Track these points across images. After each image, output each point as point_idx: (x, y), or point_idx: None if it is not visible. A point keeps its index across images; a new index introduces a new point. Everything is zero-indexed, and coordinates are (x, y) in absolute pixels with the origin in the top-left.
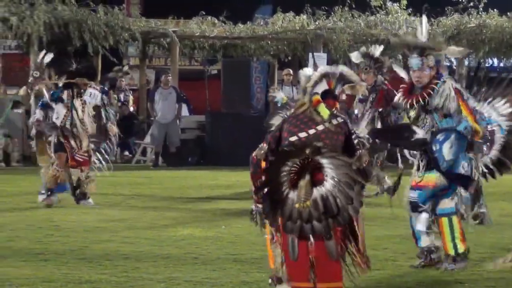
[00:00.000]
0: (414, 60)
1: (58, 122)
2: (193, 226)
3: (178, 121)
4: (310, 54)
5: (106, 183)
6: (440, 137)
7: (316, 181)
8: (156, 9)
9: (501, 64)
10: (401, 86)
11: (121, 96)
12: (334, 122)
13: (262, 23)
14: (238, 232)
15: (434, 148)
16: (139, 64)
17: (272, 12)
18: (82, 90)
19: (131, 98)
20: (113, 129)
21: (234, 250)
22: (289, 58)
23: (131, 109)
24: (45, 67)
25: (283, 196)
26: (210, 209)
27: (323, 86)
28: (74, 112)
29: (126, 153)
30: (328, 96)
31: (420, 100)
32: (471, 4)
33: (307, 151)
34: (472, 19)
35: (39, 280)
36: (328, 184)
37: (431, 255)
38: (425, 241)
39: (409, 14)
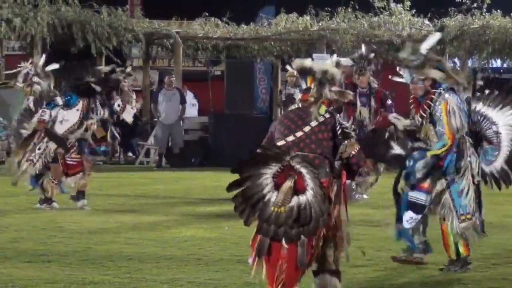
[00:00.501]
0: (405, 74)
1: (63, 128)
2: (196, 227)
3: (181, 122)
4: (314, 55)
5: (110, 184)
6: (416, 154)
7: (298, 189)
8: (159, 10)
9: (505, 65)
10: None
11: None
12: (321, 119)
13: (265, 23)
14: (241, 233)
15: (407, 164)
16: (143, 65)
17: (276, 13)
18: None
19: (134, 99)
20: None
21: (237, 251)
22: (293, 59)
23: (135, 109)
24: (45, 73)
25: (264, 199)
26: (213, 210)
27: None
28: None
29: (130, 154)
30: (306, 92)
31: (421, 113)
32: (475, 5)
33: (287, 158)
34: (476, 20)
35: (43, 282)
36: (309, 194)
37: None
38: (416, 239)
39: (413, 15)
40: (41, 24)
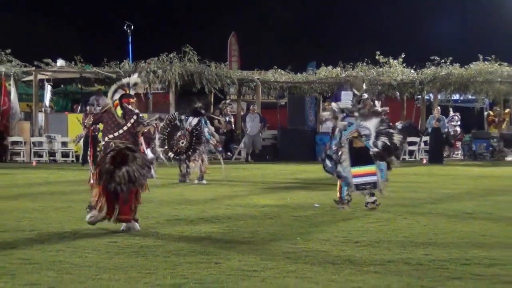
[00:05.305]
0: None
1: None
2: (269, 198)
3: (260, 134)
4: (342, 92)
5: (216, 172)
6: None
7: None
8: (247, 64)
9: (461, 98)
10: None
11: (227, 118)
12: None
13: (312, 73)
14: (297, 202)
15: None
16: (236, 99)
17: (317, 66)
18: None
19: (232, 120)
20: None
21: (295, 213)
22: (329, 94)
23: (233, 126)
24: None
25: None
26: (280, 187)
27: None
28: None
29: (229, 153)
30: (124, 97)
31: None
32: (442, 60)
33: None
34: (443, 69)
35: (175, 232)
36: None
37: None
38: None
39: (404, 67)
40: (174, 73)
